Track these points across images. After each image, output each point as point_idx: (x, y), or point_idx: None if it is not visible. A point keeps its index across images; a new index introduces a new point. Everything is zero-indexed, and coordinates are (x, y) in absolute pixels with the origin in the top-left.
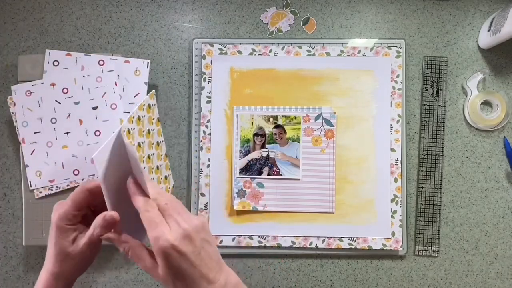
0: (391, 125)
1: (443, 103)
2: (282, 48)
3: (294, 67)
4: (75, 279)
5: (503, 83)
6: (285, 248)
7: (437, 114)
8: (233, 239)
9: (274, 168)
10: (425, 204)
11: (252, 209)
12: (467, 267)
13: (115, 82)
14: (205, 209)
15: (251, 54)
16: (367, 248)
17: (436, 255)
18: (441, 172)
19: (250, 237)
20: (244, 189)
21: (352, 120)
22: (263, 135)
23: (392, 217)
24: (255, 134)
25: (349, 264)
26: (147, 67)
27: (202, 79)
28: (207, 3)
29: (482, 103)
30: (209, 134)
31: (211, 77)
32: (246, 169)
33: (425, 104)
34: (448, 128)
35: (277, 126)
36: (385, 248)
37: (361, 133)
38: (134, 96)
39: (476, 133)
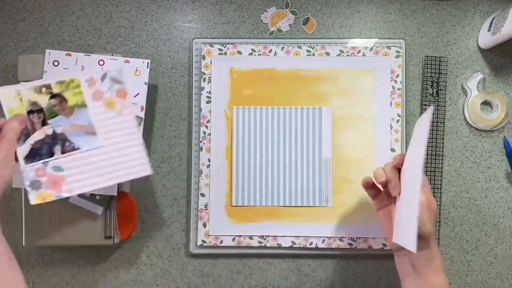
0: (391, 125)
1: (443, 103)
2: (282, 48)
3: (294, 67)
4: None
5: (503, 83)
6: (285, 248)
7: (437, 114)
8: (233, 239)
9: (67, 144)
10: None
11: (56, 199)
12: (467, 267)
13: None
14: (205, 209)
15: (250, 54)
16: (367, 248)
17: None
18: (441, 172)
19: (250, 237)
20: (37, 179)
21: (352, 120)
22: (40, 110)
23: None
24: (29, 112)
25: (349, 264)
26: (147, 67)
27: (202, 79)
28: (207, 3)
29: (482, 103)
30: (209, 134)
31: (210, 77)
32: (33, 156)
33: (425, 104)
34: (448, 128)
35: (53, 96)
36: (385, 248)
37: (361, 133)
38: (134, 96)
39: (476, 133)
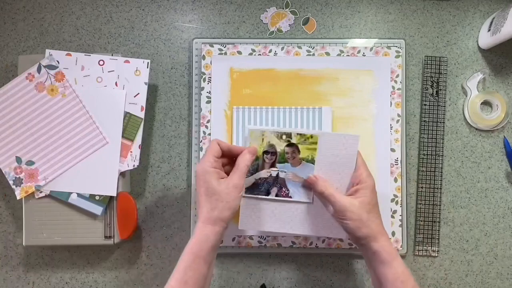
0: (391, 125)
1: (443, 103)
2: (282, 48)
3: (294, 67)
4: (228, 222)
5: (503, 83)
6: (285, 248)
7: (437, 114)
8: (233, 239)
9: (283, 189)
10: (425, 204)
11: (37, 189)
12: (467, 267)
13: (115, 82)
14: None
15: (250, 54)
16: None
17: (436, 255)
18: (441, 172)
19: (250, 237)
20: (17, 176)
21: (352, 120)
22: (274, 153)
23: (392, 217)
24: (265, 152)
25: (349, 264)
26: (147, 67)
27: (202, 79)
28: (207, 3)
29: (482, 103)
30: (209, 134)
31: (210, 77)
32: (253, 188)
33: (425, 104)
34: (448, 128)
35: (290, 145)
36: None
37: (361, 133)
38: (134, 96)
39: (476, 133)
